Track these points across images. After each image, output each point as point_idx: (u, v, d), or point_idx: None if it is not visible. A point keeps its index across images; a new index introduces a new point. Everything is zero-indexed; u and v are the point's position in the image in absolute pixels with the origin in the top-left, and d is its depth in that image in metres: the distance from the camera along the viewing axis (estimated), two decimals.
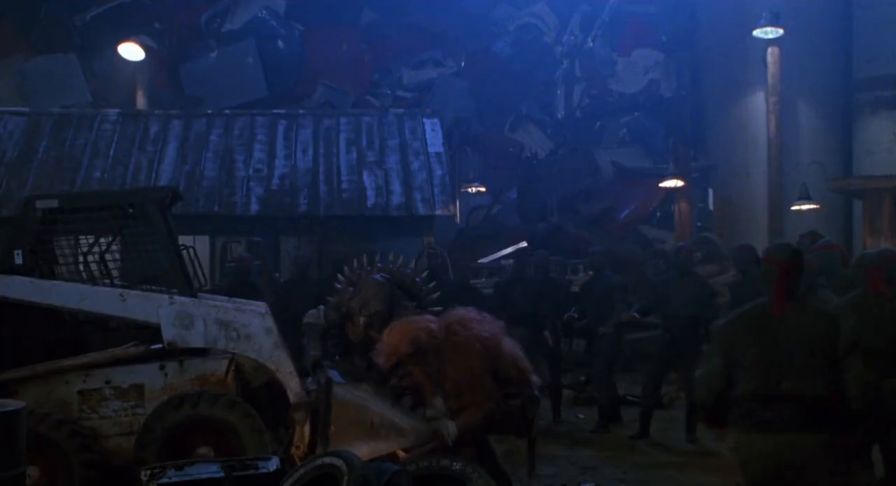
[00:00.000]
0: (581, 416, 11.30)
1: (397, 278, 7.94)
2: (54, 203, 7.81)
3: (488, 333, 6.58)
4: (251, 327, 7.27)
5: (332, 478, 5.64)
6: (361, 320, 7.65)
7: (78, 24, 22.16)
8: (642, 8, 22.08)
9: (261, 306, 7.61)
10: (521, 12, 22.75)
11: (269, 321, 7.33)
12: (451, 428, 6.26)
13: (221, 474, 4.32)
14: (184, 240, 15.04)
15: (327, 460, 5.84)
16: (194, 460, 4.83)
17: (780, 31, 14.60)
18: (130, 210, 7.85)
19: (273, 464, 4.52)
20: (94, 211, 7.99)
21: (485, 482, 6.05)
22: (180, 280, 7.69)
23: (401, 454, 6.46)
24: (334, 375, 6.96)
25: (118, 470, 6.99)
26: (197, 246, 16.51)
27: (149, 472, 4.33)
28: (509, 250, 15.58)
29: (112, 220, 7.87)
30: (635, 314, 10.32)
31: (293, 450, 6.77)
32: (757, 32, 14.82)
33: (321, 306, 8.27)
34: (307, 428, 6.75)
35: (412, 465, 6.10)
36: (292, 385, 7.09)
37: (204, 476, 4.32)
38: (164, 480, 4.26)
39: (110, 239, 8.10)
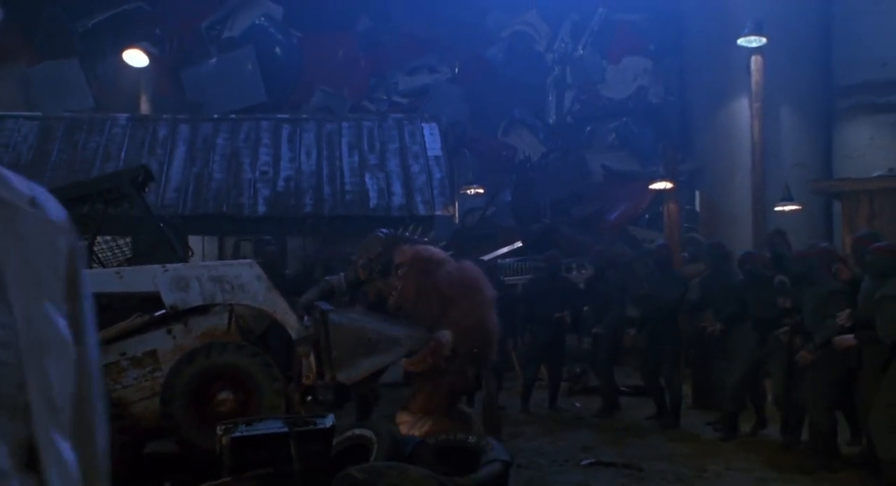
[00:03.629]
0: (578, 405, 11.97)
1: (403, 239, 8.60)
2: None
3: (490, 295, 7.32)
4: (242, 277, 7.59)
5: (364, 448, 6.29)
6: (360, 262, 8.30)
7: (80, 30, 22.56)
8: (631, 17, 22.49)
9: (247, 260, 8.05)
10: (514, 20, 23.19)
11: (258, 270, 7.72)
12: (447, 337, 6.92)
13: (286, 429, 4.92)
14: (193, 240, 15.71)
15: (358, 431, 6.49)
16: (262, 417, 5.43)
17: (764, 40, 14.85)
18: (109, 194, 8.33)
19: (329, 421, 5.13)
20: (76, 202, 8.45)
21: (496, 453, 6.69)
22: (167, 250, 8.17)
23: (405, 362, 7.07)
24: (324, 304, 7.54)
25: (148, 432, 7.58)
26: (206, 246, 17.16)
27: (223, 428, 4.93)
28: (505, 249, 16.16)
29: (94, 207, 8.35)
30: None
31: (304, 380, 7.35)
32: (741, 41, 15.04)
33: (341, 274, 8.87)
34: (312, 359, 7.30)
35: (432, 439, 6.74)
36: (291, 323, 7.49)
37: (271, 431, 4.93)
38: (237, 434, 4.86)
39: (96, 228, 8.59)
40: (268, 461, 4.74)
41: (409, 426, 7.06)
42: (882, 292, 7.24)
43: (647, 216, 19.14)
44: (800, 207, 15.48)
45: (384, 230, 9.02)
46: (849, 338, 7.59)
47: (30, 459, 1.30)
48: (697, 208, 18.74)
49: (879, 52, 16.68)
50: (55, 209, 1.46)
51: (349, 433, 6.42)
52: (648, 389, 10.98)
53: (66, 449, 1.33)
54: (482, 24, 23.16)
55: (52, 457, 1.31)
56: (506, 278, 14.58)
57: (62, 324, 1.38)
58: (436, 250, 7.35)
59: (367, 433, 6.32)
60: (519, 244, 16.24)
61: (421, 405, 7.07)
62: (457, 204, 17.19)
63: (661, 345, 10.63)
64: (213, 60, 21.89)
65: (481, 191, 18.05)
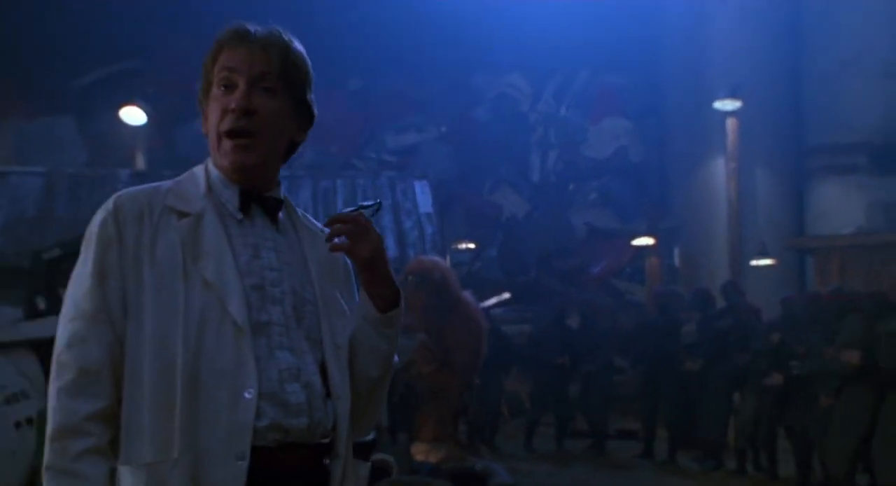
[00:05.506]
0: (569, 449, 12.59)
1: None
2: (57, 252, 8.87)
3: (485, 329, 7.94)
4: None
5: (385, 471, 6.87)
6: None
7: (75, 88, 23.13)
8: (611, 79, 23.21)
9: None
10: (498, 82, 23.89)
11: None
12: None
13: None
14: None
15: (379, 456, 7.07)
16: None
17: (739, 103, 15.48)
18: None
19: (371, 434, 5.71)
20: None
21: (502, 479, 7.29)
22: None
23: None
24: None
25: None
26: None
27: None
28: (493, 300, 16.76)
29: None
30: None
31: None
32: (717, 104, 15.69)
33: None
34: None
35: (444, 465, 7.34)
36: None
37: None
38: None
39: None
40: None
41: (424, 454, 7.61)
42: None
43: (628, 270, 19.77)
44: (774, 262, 16.15)
45: None
46: (855, 354, 8.32)
47: (322, 372, 2.20)
48: (677, 263, 19.33)
49: (847, 116, 17.43)
50: None
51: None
52: (647, 428, 11.68)
53: (342, 370, 2.22)
54: (468, 85, 23.85)
55: (334, 373, 2.21)
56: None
57: (340, 299, 2.31)
58: (452, 275, 7.93)
59: (387, 457, 6.91)
60: (506, 296, 16.85)
61: (432, 433, 7.64)
62: (448, 258, 17.77)
63: (659, 386, 11.40)
64: None
65: (472, 246, 18.67)
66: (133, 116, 18.47)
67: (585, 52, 22.36)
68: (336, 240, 2.19)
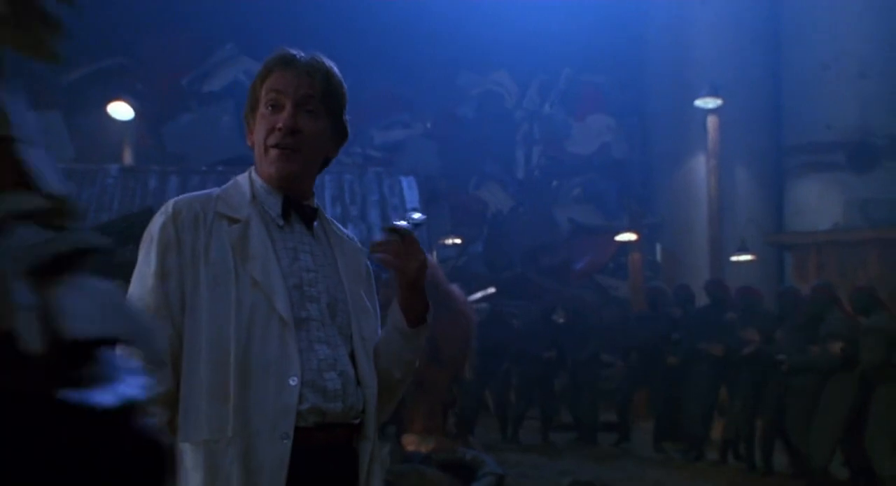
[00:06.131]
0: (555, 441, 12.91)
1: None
2: None
3: (474, 322, 8.21)
4: None
5: None
6: None
7: (63, 84, 23.22)
8: (595, 77, 23.55)
9: None
10: (484, 79, 24.21)
11: None
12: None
13: None
14: None
15: None
16: None
17: (719, 102, 15.65)
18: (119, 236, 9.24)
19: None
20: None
21: (491, 469, 7.56)
22: None
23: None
24: None
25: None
26: None
27: None
28: (478, 294, 17.01)
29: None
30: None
31: None
32: (698, 102, 15.89)
33: None
34: None
35: (435, 455, 7.61)
36: None
37: None
38: None
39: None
40: None
41: (415, 445, 7.89)
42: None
43: (611, 266, 20.06)
44: (754, 258, 16.48)
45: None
46: (837, 345, 8.63)
47: (353, 362, 2.49)
48: (659, 259, 19.63)
49: (825, 116, 17.75)
50: (357, 242, 2.64)
51: None
52: (621, 418, 12.03)
53: (369, 361, 2.51)
54: (454, 82, 24.11)
55: (362, 363, 2.50)
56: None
57: (365, 298, 2.59)
58: (439, 271, 8.18)
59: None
60: (492, 290, 17.10)
61: (422, 425, 7.92)
62: (434, 254, 18.01)
63: (646, 380, 11.76)
64: (193, 114, 22.53)
65: (458, 241, 18.91)
66: (121, 111, 18.59)
67: (570, 50, 22.65)
68: (380, 255, 2.45)
